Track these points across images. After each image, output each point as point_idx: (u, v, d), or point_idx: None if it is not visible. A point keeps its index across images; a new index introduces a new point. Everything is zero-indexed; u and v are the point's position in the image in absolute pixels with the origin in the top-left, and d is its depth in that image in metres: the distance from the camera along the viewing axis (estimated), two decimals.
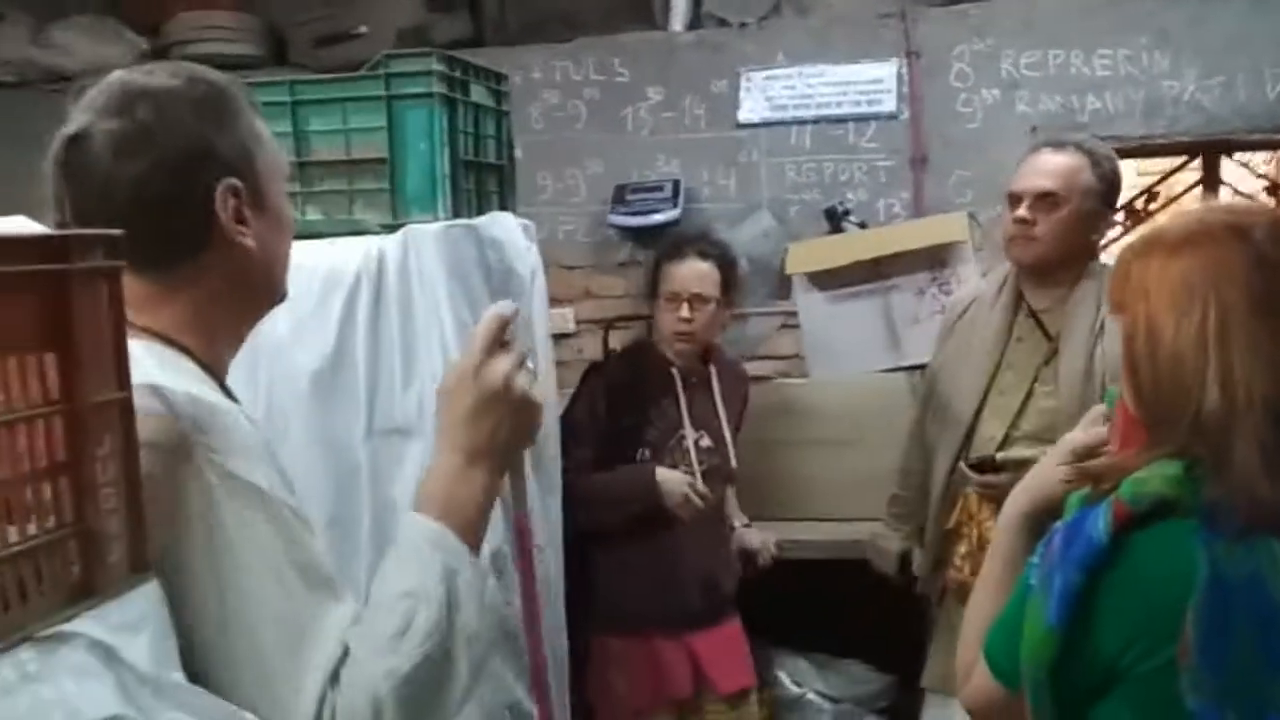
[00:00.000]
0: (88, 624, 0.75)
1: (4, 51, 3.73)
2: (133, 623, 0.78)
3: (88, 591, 0.79)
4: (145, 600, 0.80)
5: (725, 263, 2.63)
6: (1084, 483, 1.21)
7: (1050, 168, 2.22)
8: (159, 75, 1.10)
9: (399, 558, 1.02)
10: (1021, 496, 1.34)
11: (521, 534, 1.19)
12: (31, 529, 0.75)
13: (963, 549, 2.29)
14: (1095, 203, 2.21)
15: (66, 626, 0.74)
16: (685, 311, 2.55)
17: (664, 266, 2.62)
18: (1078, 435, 1.36)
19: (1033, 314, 2.28)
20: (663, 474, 2.53)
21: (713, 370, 2.70)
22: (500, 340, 1.08)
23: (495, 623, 1.11)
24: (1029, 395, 2.25)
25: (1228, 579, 1.08)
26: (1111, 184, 2.24)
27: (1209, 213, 1.23)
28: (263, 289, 1.17)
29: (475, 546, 1.06)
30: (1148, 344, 1.17)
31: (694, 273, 2.57)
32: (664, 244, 2.77)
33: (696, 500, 2.52)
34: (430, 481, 1.07)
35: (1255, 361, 1.12)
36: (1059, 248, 2.21)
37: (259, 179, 1.12)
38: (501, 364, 1.07)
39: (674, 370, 2.63)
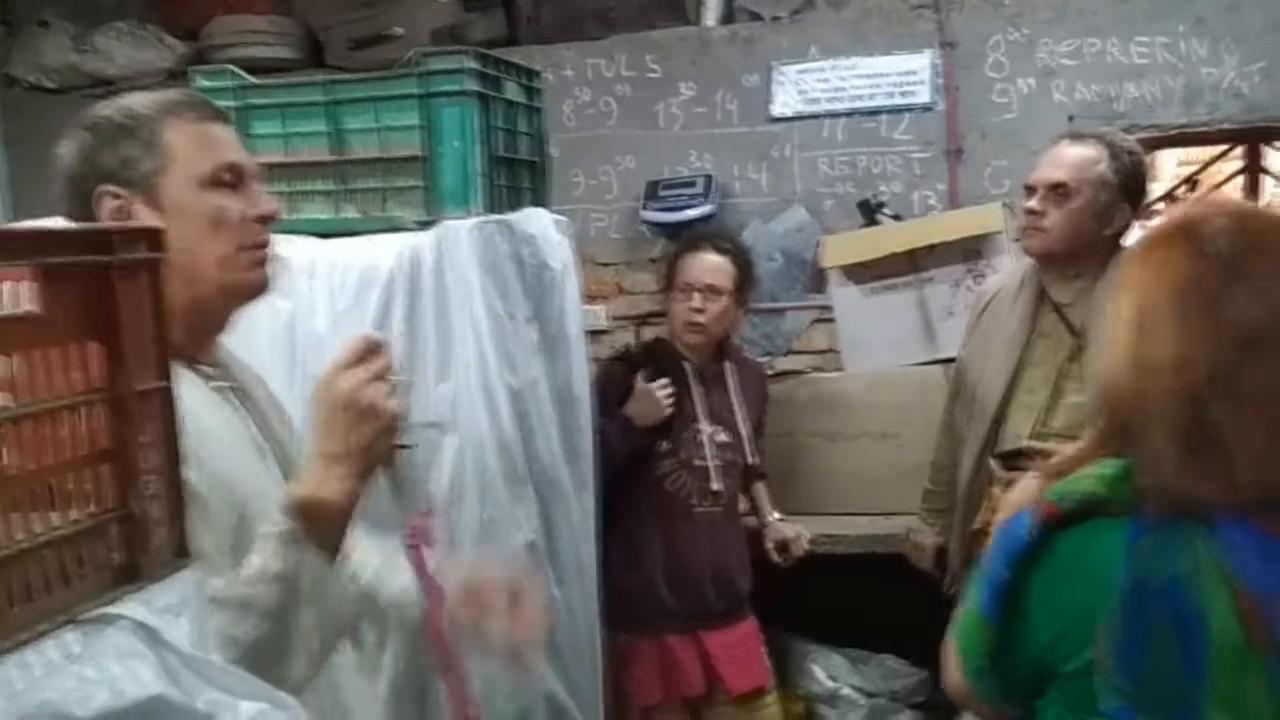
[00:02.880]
0: (132, 607, 0.77)
1: (47, 58, 3.80)
2: (175, 606, 0.79)
3: (131, 575, 0.80)
4: (186, 584, 0.82)
5: (740, 259, 2.65)
6: (1050, 480, 1.20)
7: (1064, 159, 2.21)
8: (93, 110, 1.29)
9: (256, 550, 1.13)
10: (1014, 496, 1.36)
11: (413, 533, 1.24)
12: (76, 514, 0.77)
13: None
14: (1110, 195, 2.19)
15: (111, 609, 0.76)
16: (697, 302, 2.57)
17: (680, 259, 2.65)
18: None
19: (1056, 308, 2.26)
20: (631, 407, 2.54)
21: (728, 366, 2.71)
22: (360, 357, 1.17)
23: (346, 616, 1.21)
24: (1056, 392, 2.23)
25: (1147, 582, 1.06)
26: (1131, 177, 2.21)
27: (1180, 208, 1.24)
28: (181, 275, 1.21)
29: (331, 546, 1.16)
30: (1098, 342, 1.21)
31: (708, 264, 2.59)
32: (681, 239, 2.80)
33: (660, 395, 2.53)
34: (293, 483, 1.17)
35: (1169, 350, 1.10)
36: (1068, 239, 2.19)
37: (148, 180, 1.25)
38: (353, 375, 1.16)
39: (688, 365, 2.63)
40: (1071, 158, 2.21)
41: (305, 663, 1.15)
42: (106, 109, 1.29)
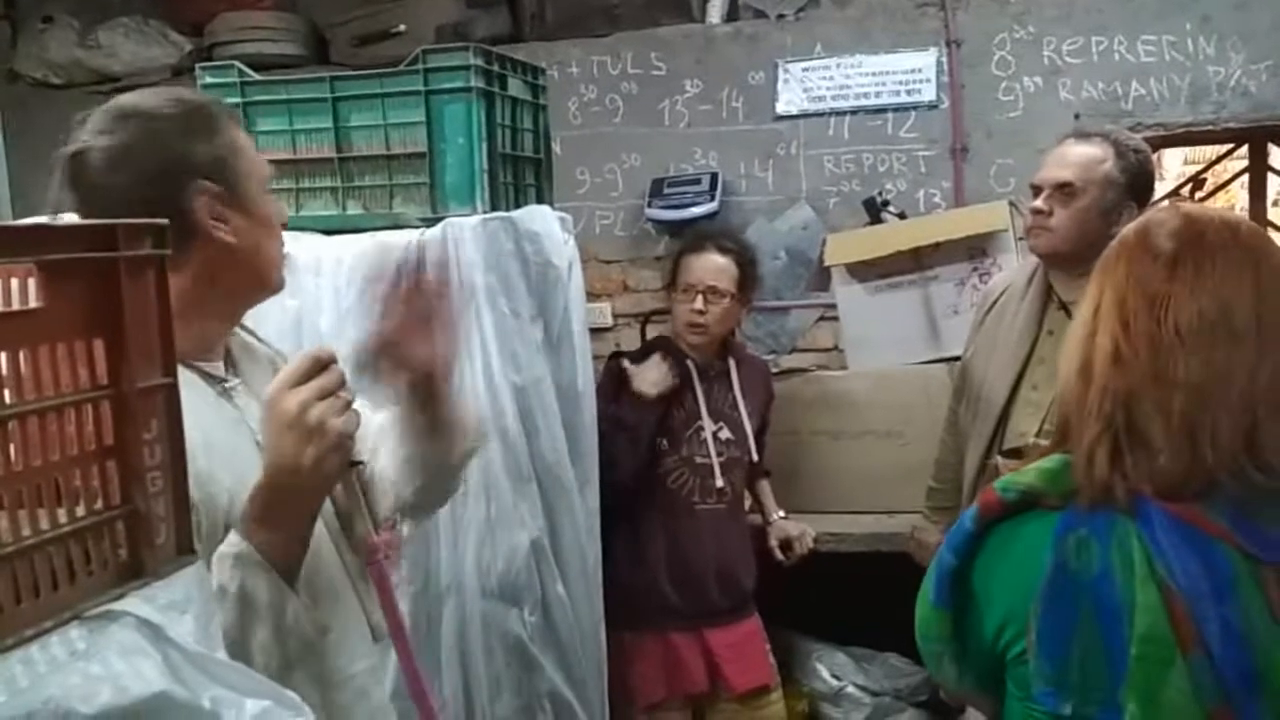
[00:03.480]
0: (136, 603, 0.77)
1: (51, 54, 3.80)
2: (179, 602, 0.79)
3: (136, 572, 0.80)
4: (191, 581, 0.82)
5: (744, 259, 2.64)
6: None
7: (1070, 159, 2.21)
8: (148, 98, 1.27)
9: (213, 570, 1.12)
10: None
11: (371, 550, 1.22)
12: (80, 511, 0.77)
13: None
14: (1117, 194, 2.18)
15: (115, 606, 0.76)
16: (699, 303, 2.56)
17: (683, 259, 2.65)
18: None
19: (1063, 306, 2.25)
20: (635, 383, 2.54)
21: (732, 364, 2.70)
22: (308, 374, 1.15)
23: (305, 631, 1.19)
24: None
25: (1075, 575, 1.09)
26: (1137, 176, 2.20)
27: (1144, 214, 1.28)
28: (245, 277, 1.29)
29: (286, 565, 1.15)
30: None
31: (711, 266, 2.58)
32: (685, 238, 2.79)
33: (665, 373, 2.55)
34: (247, 502, 1.16)
35: (1109, 349, 1.15)
36: (1074, 239, 2.19)
37: (237, 182, 1.27)
38: (299, 394, 1.14)
39: (691, 363, 2.63)
40: (1077, 157, 2.20)
41: (263, 675, 1.14)
42: (172, 105, 1.26)
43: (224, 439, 1.26)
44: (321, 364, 1.16)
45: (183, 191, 1.23)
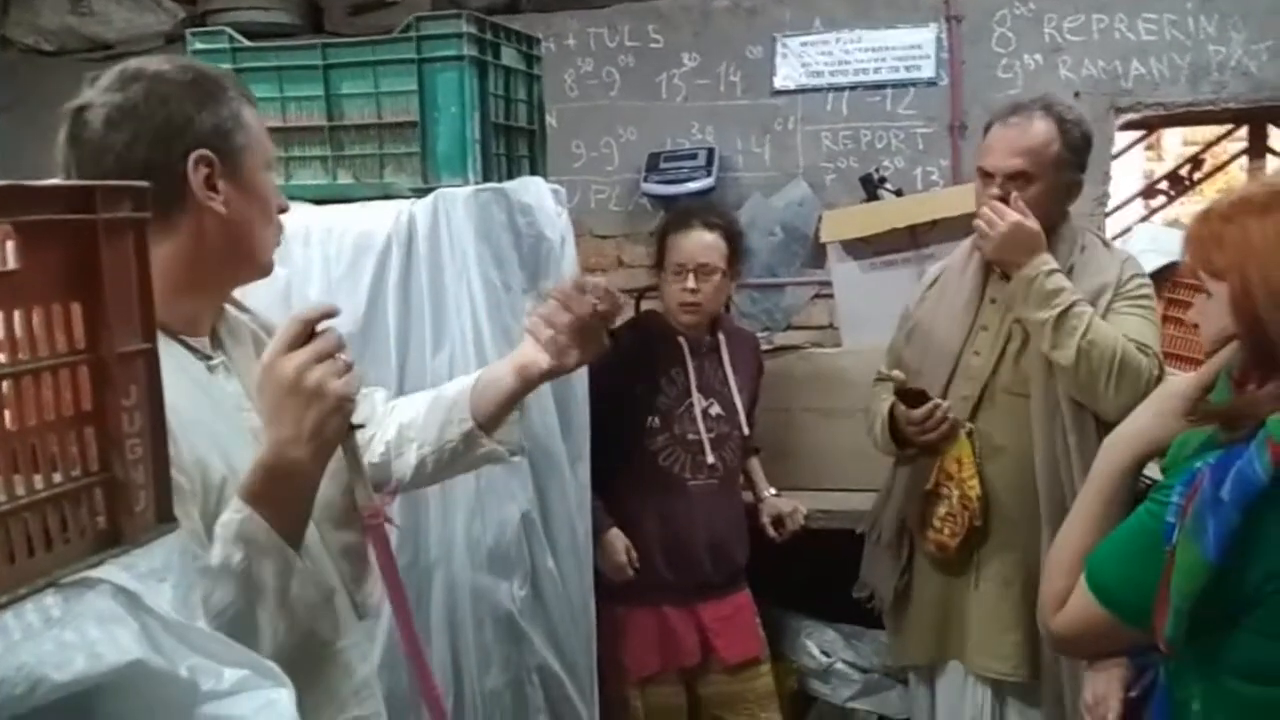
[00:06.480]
0: (114, 571, 0.76)
1: (44, 21, 3.76)
2: (158, 571, 0.78)
3: (114, 540, 0.79)
4: (170, 549, 0.81)
5: (731, 234, 2.61)
6: (1208, 423, 1.28)
7: (1020, 146, 2.17)
8: (157, 63, 1.26)
9: (216, 539, 1.13)
10: (1124, 446, 1.41)
11: (374, 514, 1.22)
12: (58, 477, 0.76)
13: (942, 510, 2.28)
14: (1069, 173, 2.21)
15: (92, 573, 0.75)
16: (691, 282, 2.54)
17: (670, 238, 2.60)
18: (1183, 380, 1.41)
19: (1005, 276, 2.26)
20: (609, 538, 2.53)
21: (721, 338, 2.69)
22: (301, 338, 1.14)
23: (312, 597, 1.21)
24: (1002, 355, 2.26)
25: None
26: (1081, 150, 2.21)
27: (1257, 182, 1.34)
28: (232, 253, 1.28)
29: (292, 532, 1.15)
30: (1270, 297, 1.25)
31: (699, 244, 2.56)
32: (669, 216, 2.76)
33: (627, 571, 2.54)
34: (248, 471, 1.15)
35: None
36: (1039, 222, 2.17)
37: (236, 155, 1.26)
38: (295, 358, 1.13)
39: (681, 339, 2.62)
40: (1028, 144, 2.17)
41: (271, 638, 1.14)
42: (181, 71, 1.26)
43: (215, 418, 1.25)
44: (309, 324, 1.15)
45: (180, 156, 1.21)
